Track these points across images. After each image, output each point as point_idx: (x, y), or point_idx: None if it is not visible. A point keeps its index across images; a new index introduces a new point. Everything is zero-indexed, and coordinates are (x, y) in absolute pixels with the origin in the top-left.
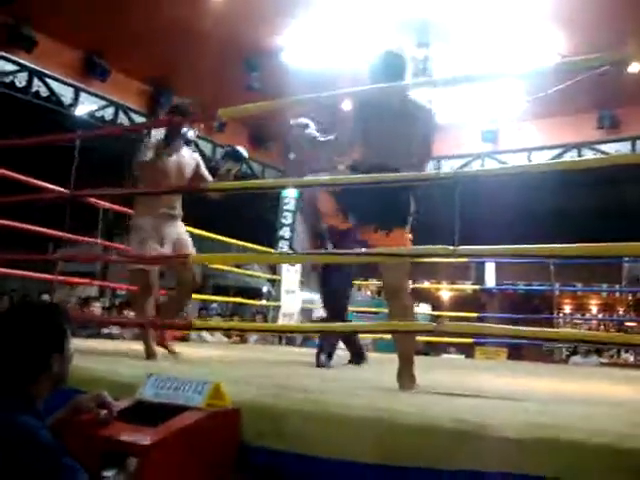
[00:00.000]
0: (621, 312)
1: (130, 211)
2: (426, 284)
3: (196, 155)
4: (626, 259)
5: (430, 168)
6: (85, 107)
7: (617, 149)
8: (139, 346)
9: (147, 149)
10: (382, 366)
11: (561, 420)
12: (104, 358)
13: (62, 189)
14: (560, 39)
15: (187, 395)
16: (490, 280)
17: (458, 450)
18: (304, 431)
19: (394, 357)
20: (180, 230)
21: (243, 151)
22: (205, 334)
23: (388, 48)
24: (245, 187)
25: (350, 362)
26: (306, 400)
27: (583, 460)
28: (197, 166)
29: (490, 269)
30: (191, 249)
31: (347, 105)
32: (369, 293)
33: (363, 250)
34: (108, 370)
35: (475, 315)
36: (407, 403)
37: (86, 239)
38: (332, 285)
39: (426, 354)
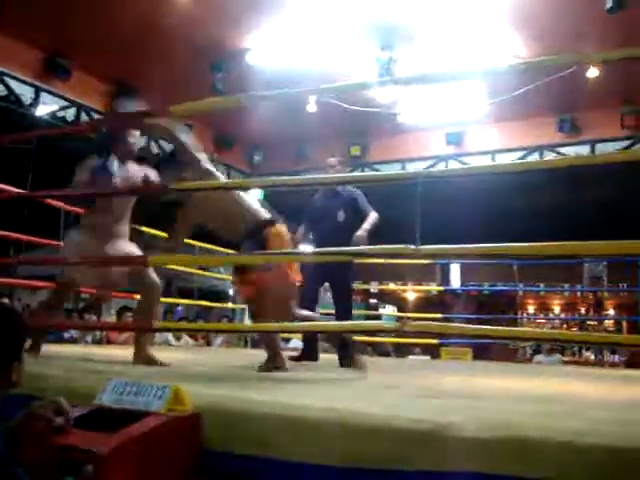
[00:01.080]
0: (582, 311)
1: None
2: (391, 285)
3: (148, 171)
4: (587, 259)
5: (395, 170)
6: (46, 107)
7: (577, 151)
8: (100, 350)
9: (81, 169)
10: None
11: (522, 417)
12: (63, 363)
13: (18, 190)
14: (520, 44)
15: (147, 400)
16: (455, 281)
17: (421, 451)
18: (266, 434)
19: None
20: (122, 247)
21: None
22: (170, 337)
23: None
24: (209, 187)
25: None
26: (268, 403)
27: (541, 457)
28: (146, 177)
29: (455, 270)
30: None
31: (312, 107)
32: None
33: (323, 249)
34: (66, 376)
35: (440, 316)
36: (370, 404)
37: (47, 241)
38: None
39: (387, 355)
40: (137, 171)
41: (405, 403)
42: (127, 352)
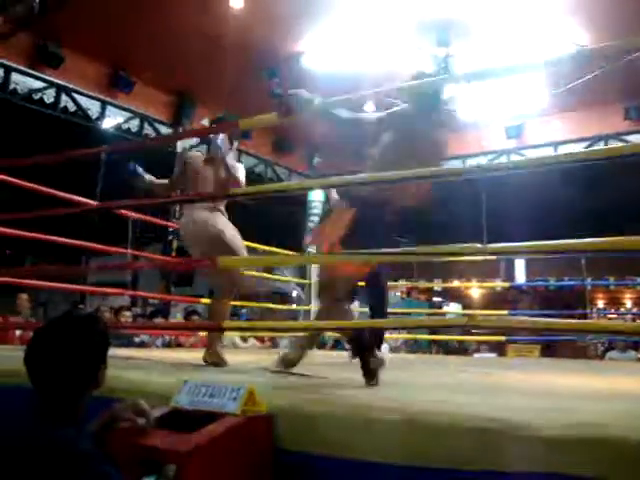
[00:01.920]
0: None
1: (156, 220)
2: (456, 283)
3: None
4: None
5: (456, 167)
6: (111, 120)
7: None
8: (171, 353)
9: (179, 159)
10: (413, 367)
11: (596, 416)
12: (138, 366)
13: (90, 201)
14: (581, 33)
15: (222, 401)
16: (520, 277)
17: (488, 450)
18: (337, 434)
19: (416, 358)
20: (216, 221)
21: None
22: (237, 340)
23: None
24: (271, 190)
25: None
26: (339, 403)
27: (627, 458)
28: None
29: (520, 266)
30: (229, 238)
31: (370, 107)
32: (399, 294)
33: (393, 250)
34: (142, 378)
35: (506, 312)
36: (446, 403)
37: (116, 249)
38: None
39: (453, 352)
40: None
41: (475, 401)
42: (197, 355)
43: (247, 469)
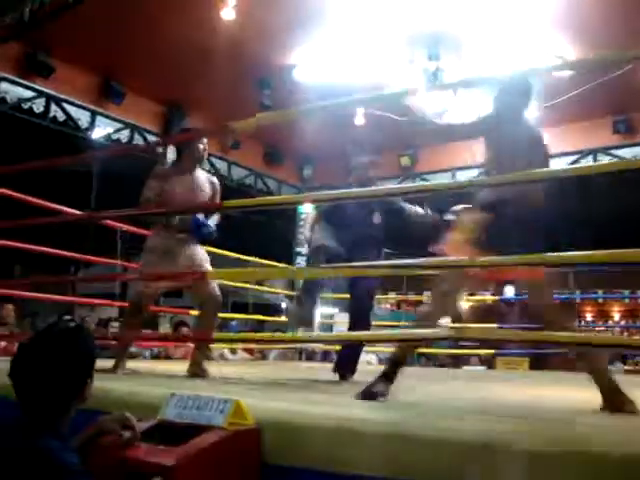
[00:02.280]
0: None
1: (146, 232)
2: None
3: (214, 179)
4: None
5: (446, 180)
6: (101, 130)
7: (634, 153)
8: (160, 365)
9: (154, 175)
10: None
11: (585, 432)
12: (125, 378)
13: (80, 212)
14: (569, 46)
15: (209, 414)
16: (509, 290)
17: (473, 465)
18: (324, 448)
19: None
20: (195, 250)
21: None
22: (226, 352)
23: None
24: (262, 204)
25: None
26: (326, 417)
27: (609, 473)
28: (213, 190)
29: None
30: (207, 266)
31: (360, 119)
32: (388, 306)
33: (395, 262)
34: (129, 390)
35: (495, 325)
36: (431, 417)
37: (105, 260)
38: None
39: (442, 366)
40: (204, 179)
41: (461, 415)
42: (186, 367)
43: None
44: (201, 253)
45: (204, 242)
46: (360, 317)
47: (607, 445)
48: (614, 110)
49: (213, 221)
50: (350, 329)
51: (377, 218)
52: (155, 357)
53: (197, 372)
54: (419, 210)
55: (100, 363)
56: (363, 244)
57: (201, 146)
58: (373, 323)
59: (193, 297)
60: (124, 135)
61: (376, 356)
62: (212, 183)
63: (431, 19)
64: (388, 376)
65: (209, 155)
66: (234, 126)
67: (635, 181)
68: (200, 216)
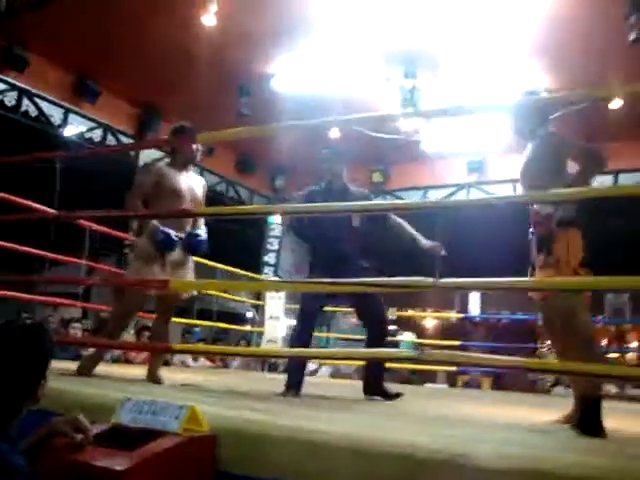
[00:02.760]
0: (604, 343)
1: (116, 232)
2: (410, 312)
3: (204, 182)
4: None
5: (417, 197)
6: (74, 128)
7: (600, 181)
8: (119, 369)
9: (149, 171)
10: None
11: (533, 450)
12: (81, 380)
13: (49, 209)
14: (542, 73)
15: (164, 419)
16: (474, 309)
17: (428, 478)
18: (280, 457)
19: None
20: (185, 257)
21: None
22: (188, 359)
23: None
24: (236, 212)
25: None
26: (282, 426)
27: None
28: (204, 193)
29: (475, 298)
30: (191, 274)
31: (335, 132)
32: (354, 320)
33: (353, 280)
34: (85, 393)
35: (459, 344)
36: (386, 431)
37: (71, 259)
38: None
39: (410, 382)
40: (197, 180)
41: (421, 431)
42: (145, 371)
43: None
44: (188, 259)
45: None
46: (381, 332)
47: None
48: (583, 139)
49: (203, 232)
50: (369, 345)
51: (356, 221)
52: (115, 361)
53: (153, 379)
54: (410, 229)
55: (63, 365)
56: (347, 250)
57: (195, 146)
58: (338, 335)
59: (161, 303)
60: (97, 135)
61: (327, 368)
62: (203, 185)
63: (410, 38)
64: None
65: None
66: (203, 137)
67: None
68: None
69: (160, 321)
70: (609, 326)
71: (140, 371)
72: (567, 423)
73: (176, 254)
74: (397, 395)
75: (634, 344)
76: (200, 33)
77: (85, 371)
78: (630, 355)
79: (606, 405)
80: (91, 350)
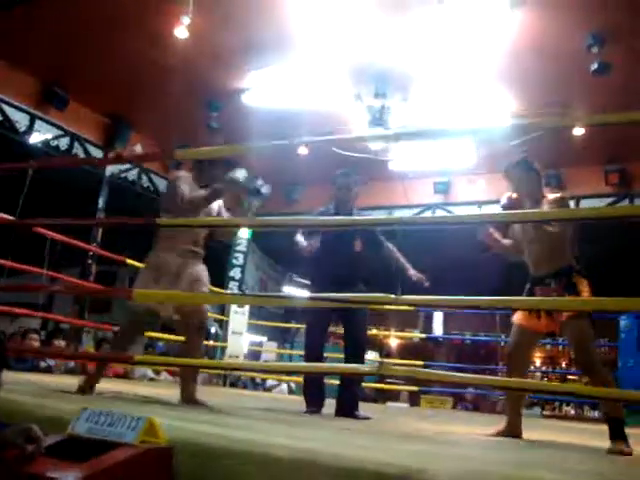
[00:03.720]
0: (564, 365)
1: (77, 242)
2: (374, 331)
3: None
4: None
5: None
6: (40, 135)
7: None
8: (76, 380)
9: (184, 182)
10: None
11: (493, 467)
12: (37, 391)
13: (8, 216)
14: (510, 98)
15: (120, 431)
16: (438, 329)
17: None
18: (239, 472)
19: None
20: (199, 268)
21: (263, 187)
22: (150, 372)
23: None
24: (199, 225)
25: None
26: (242, 440)
27: None
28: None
29: (438, 318)
30: (205, 289)
31: (303, 150)
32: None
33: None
34: (39, 404)
35: (421, 363)
36: (346, 446)
37: (31, 268)
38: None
39: (375, 401)
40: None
41: (378, 446)
42: (103, 384)
43: None
44: (205, 275)
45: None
46: (358, 350)
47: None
48: (547, 163)
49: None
50: (347, 361)
51: (359, 246)
52: (69, 372)
53: (193, 400)
54: (401, 257)
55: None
56: (349, 274)
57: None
58: (300, 353)
59: (179, 322)
60: (64, 143)
61: (287, 386)
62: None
63: (381, 59)
64: None
65: (150, 172)
66: (176, 154)
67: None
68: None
69: (182, 345)
70: (568, 348)
71: (99, 384)
72: (499, 436)
73: (194, 269)
74: (367, 419)
75: None
76: (172, 46)
77: (86, 387)
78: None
79: (566, 425)
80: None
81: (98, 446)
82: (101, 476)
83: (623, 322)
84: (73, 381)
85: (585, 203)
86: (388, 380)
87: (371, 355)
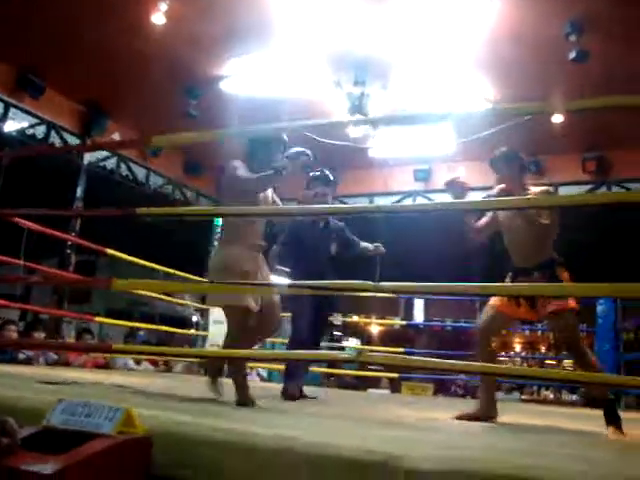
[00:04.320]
0: (543, 350)
1: (55, 232)
2: (355, 318)
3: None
4: None
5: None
6: (15, 124)
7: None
8: (57, 372)
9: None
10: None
11: (470, 452)
12: (13, 382)
13: None
14: (489, 86)
15: (97, 422)
16: (418, 316)
17: None
18: (217, 461)
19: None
20: (268, 271)
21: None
22: (130, 362)
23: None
24: (180, 214)
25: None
26: (220, 429)
27: None
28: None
29: (419, 305)
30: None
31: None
32: None
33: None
34: (14, 395)
35: (402, 350)
36: (326, 433)
37: (7, 259)
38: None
39: (355, 388)
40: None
41: (358, 433)
42: (84, 375)
43: None
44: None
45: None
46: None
47: (491, 463)
48: (526, 150)
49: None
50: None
51: (334, 249)
52: (53, 364)
53: (245, 400)
54: (361, 242)
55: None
56: (321, 271)
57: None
58: (283, 341)
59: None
60: (40, 131)
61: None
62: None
63: (360, 46)
64: None
65: (129, 161)
66: (153, 141)
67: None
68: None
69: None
70: (547, 333)
71: (79, 374)
72: (472, 420)
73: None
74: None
75: None
76: (149, 33)
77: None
78: (567, 361)
79: (545, 409)
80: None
81: (75, 437)
82: (78, 468)
83: (600, 307)
84: (52, 372)
85: (563, 190)
86: (370, 367)
87: (353, 342)
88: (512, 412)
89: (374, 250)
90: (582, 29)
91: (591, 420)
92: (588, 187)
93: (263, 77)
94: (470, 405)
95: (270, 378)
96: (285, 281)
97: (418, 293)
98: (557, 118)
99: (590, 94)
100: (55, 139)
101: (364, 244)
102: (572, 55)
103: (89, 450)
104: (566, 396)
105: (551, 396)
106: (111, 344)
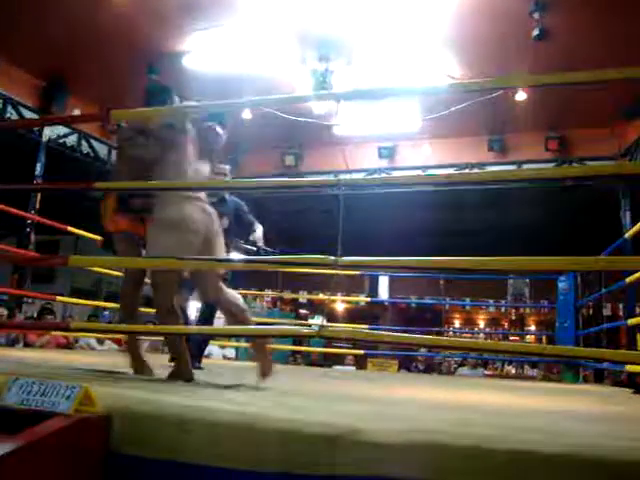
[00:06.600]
0: (506, 326)
1: (13, 210)
2: (320, 295)
3: None
4: (510, 276)
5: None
6: None
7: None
8: (16, 352)
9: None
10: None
11: (431, 425)
12: None
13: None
14: (453, 64)
15: (54, 400)
16: (383, 293)
17: (331, 456)
18: (176, 438)
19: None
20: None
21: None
22: (93, 342)
23: None
24: (140, 187)
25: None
26: (175, 405)
27: (449, 462)
28: None
29: (383, 283)
30: None
31: (247, 114)
32: (265, 304)
33: (245, 257)
34: None
35: (366, 326)
36: (287, 409)
37: None
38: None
39: (321, 366)
40: None
41: (316, 407)
42: (44, 355)
43: (75, 472)
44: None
45: None
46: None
47: (453, 436)
48: (491, 130)
49: None
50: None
51: (225, 223)
52: (11, 344)
53: (140, 368)
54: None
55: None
56: None
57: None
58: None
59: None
60: None
61: (221, 350)
62: None
63: (325, 22)
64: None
65: (90, 138)
66: (113, 115)
67: (503, 196)
68: None
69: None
70: (510, 310)
71: (39, 354)
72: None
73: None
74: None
75: (532, 327)
76: (110, 6)
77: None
78: (529, 337)
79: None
80: None
81: (31, 417)
82: (34, 447)
83: (561, 284)
84: (12, 352)
85: (526, 168)
86: (335, 344)
87: (318, 320)
88: (473, 387)
89: (256, 241)
90: (545, 7)
91: (549, 394)
92: (550, 165)
93: (227, 53)
94: (435, 380)
95: (237, 356)
96: None
97: (377, 267)
98: (520, 96)
99: (552, 72)
100: (12, 114)
101: (258, 232)
102: (535, 33)
103: (46, 429)
104: (527, 371)
105: (513, 371)
106: (69, 323)
